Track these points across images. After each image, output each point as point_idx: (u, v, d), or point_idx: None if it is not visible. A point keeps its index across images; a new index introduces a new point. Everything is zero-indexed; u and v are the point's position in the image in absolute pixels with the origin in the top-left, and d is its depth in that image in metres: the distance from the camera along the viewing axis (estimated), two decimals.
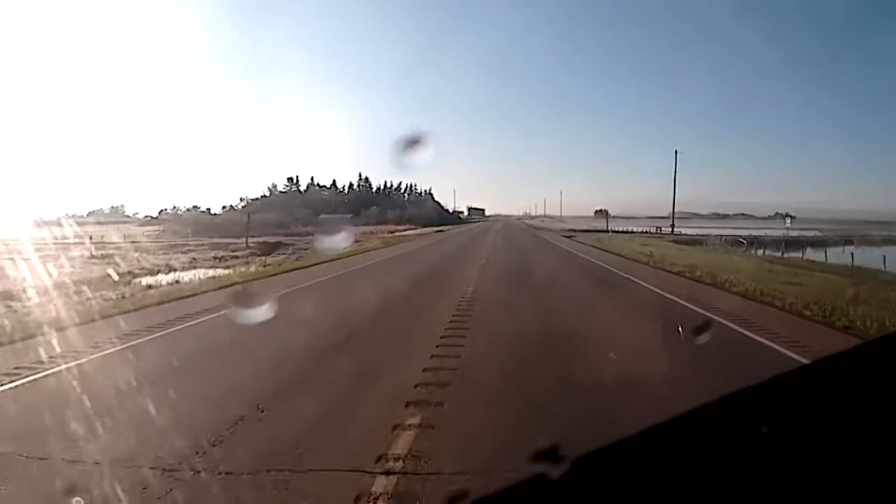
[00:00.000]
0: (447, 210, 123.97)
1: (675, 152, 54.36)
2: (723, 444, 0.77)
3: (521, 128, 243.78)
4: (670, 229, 53.79)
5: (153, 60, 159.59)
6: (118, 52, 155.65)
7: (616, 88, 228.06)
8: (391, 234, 48.95)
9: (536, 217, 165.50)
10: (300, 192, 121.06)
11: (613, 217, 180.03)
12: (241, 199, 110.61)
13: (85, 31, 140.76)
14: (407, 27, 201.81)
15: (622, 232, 47.61)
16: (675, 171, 54.43)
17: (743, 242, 37.94)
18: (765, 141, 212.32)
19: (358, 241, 31.96)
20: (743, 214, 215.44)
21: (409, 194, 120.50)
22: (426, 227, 73.16)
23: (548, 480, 0.72)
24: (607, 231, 49.10)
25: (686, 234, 48.51)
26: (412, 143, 5.50)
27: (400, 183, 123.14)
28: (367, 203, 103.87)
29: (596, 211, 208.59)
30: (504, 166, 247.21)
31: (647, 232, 52.40)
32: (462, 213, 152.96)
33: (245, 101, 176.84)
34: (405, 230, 61.65)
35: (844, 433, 0.76)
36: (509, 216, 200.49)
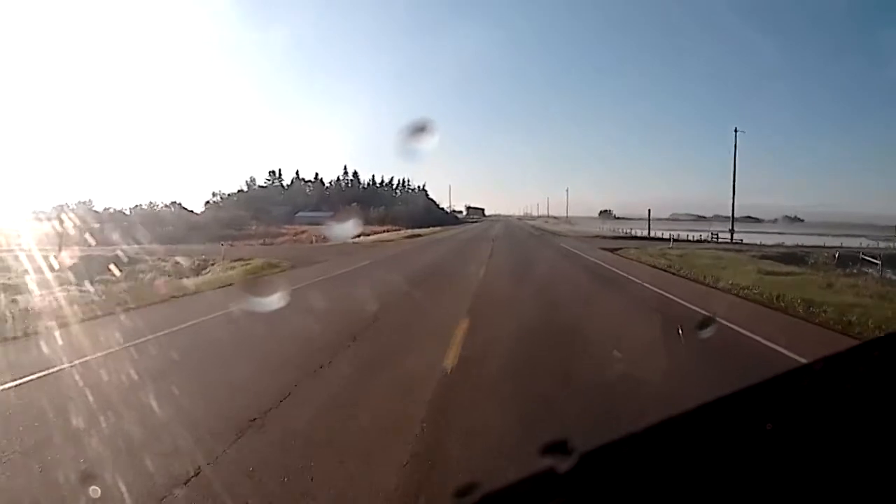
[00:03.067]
0: (443, 209, 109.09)
1: (735, 131, 39.63)
2: (725, 441, 0.77)
3: (522, 127, 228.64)
4: (729, 235, 38.99)
5: (131, 50, 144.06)
6: (93, 43, 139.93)
7: (620, 88, 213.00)
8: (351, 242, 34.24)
9: (538, 217, 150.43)
10: (283, 186, 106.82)
11: (617, 218, 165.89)
12: (215, 195, 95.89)
13: (57, 26, 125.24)
14: (406, 20, 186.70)
15: (675, 240, 33.02)
16: (735, 158, 39.61)
17: (876, 262, 23.58)
18: (769, 143, 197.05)
19: (241, 262, 17.15)
20: (749, 217, 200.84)
21: (400, 190, 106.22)
22: (412, 227, 58.59)
23: (556, 474, 0.72)
24: (651, 237, 34.59)
25: (755, 244, 33.83)
26: (417, 130, 5.18)
27: (391, 178, 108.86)
28: (353, 199, 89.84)
29: (600, 211, 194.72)
30: (504, 166, 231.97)
31: (703, 240, 37.57)
32: (460, 212, 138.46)
33: (235, 96, 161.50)
34: (383, 232, 46.89)
35: (844, 432, 0.75)
36: (509, 216, 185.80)
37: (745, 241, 37.05)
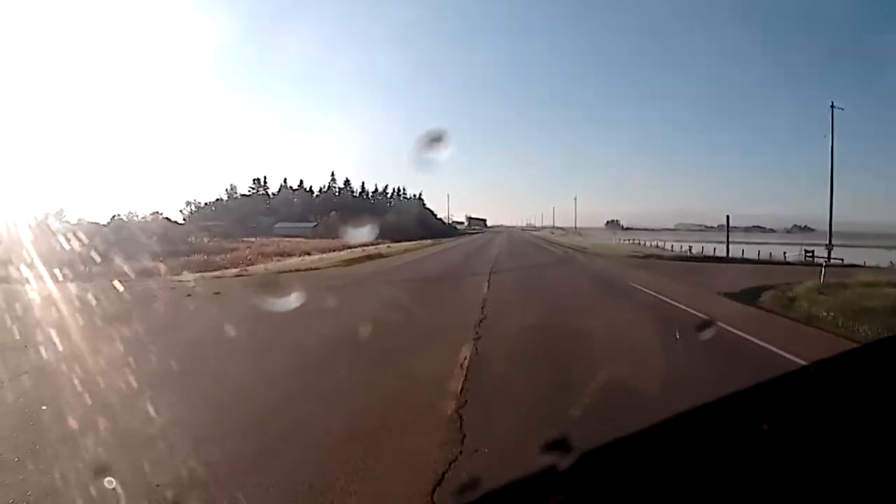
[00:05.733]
0: (441, 219, 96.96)
1: (832, 106, 27.50)
2: (723, 441, 0.76)
3: (525, 138, 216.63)
4: (826, 253, 26.52)
5: (102, 50, 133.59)
6: (71, 42, 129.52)
7: (624, 95, 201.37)
8: (277, 263, 22.35)
9: (543, 228, 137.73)
10: (268, 195, 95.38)
11: (626, 228, 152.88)
12: (189, 204, 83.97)
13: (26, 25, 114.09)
14: (407, 29, 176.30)
15: (785, 263, 20.77)
16: (833, 143, 27.42)
17: None
18: (769, 151, 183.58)
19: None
20: (759, 227, 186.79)
21: (395, 199, 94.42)
22: (400, 240, 46.75)
23: (556, 472, 0.71)
24: (731, 258, 22.38)
25: (862, 266, 21.70)
26: (431, 141, 4.97)
27: (386, 186, 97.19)
28: (344, 209, 78.56)
29: (608, 221, 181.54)
30: (507, 176, 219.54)
31: (807, 262, 25.12)
32: (461, 223, 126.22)
33: (220, 101, 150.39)
34: (342, 249, 34.86)
35: (840, 434, 0.75)
36: (512, 227, 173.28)
37: (846, 262, 24.89)
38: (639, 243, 50.31)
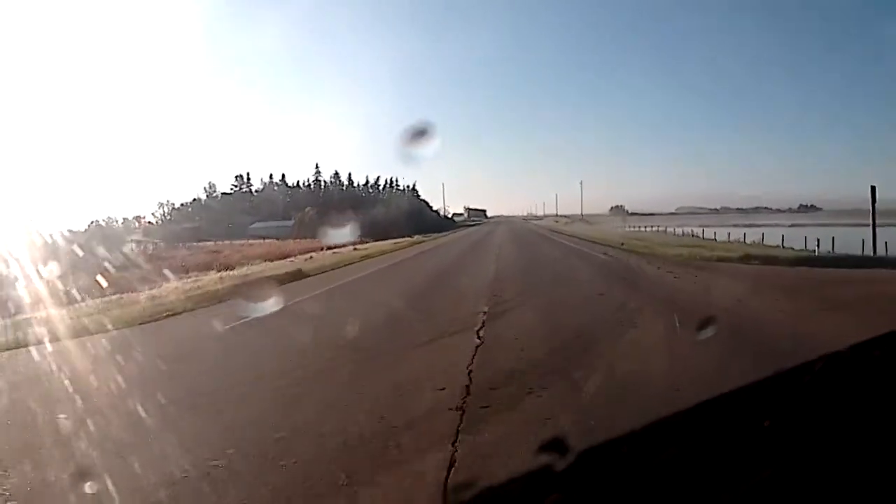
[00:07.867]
0: (437, 212, 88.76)
1: None
2: (725, 439, 0.74)
3: (523, 125, 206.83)
4: None
5: (90, 45, 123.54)
6: (47, 39, 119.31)
7: (621, 82, 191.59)
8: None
9: (546, 217, 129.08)
10: (251, 192, 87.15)
11: (631, 214, 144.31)
12: (161, 205, 75.23)
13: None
14: (400, 10, 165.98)
15: None
16: None
17: None
18: (771, 131, 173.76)
19: None
20: (766, 208, 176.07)
21: (387, 192, 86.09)
22: (385, 238, 38.78)
23: (553, 472, 0.69)
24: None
25: None
26: (416, 134, 4.86)
27: (377, 178, 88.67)
28: (331, 203, 70.57)
29: (612, 207, 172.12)
30: (506, 166, 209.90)
31: None
32: (460, 214, 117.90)
33: (208, 94, 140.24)
34: (318, 250, 26.60)
35: (844, 430, 0.73)
36: (512, 216, 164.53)
37: None
38: (664, 231, 42.13)
